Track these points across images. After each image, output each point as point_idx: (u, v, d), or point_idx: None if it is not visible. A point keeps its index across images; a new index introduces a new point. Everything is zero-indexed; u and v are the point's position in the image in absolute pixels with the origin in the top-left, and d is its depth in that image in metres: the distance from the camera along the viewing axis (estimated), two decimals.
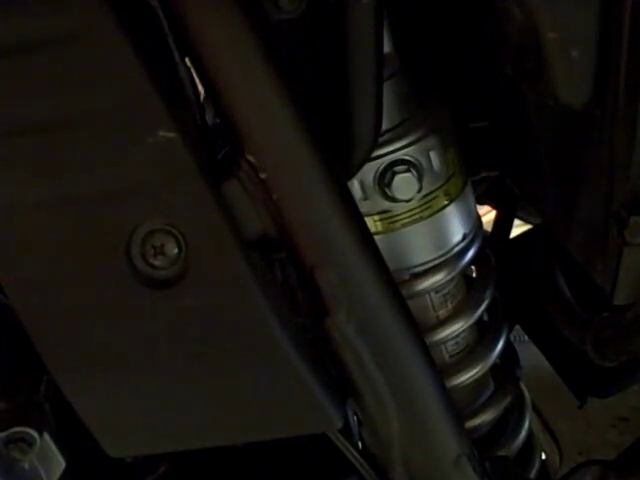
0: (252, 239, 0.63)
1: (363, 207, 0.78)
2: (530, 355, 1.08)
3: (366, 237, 0.66)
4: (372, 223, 0.81)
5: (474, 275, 0.99)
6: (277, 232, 0.63)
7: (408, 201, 0.80)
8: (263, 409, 0.67)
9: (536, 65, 0.65)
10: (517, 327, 1.10)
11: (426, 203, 0.82)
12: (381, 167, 0.79)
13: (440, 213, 0.83)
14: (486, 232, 1.02)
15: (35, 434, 0.71)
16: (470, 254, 0.88)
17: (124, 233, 0.60)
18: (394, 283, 0.68)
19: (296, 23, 0.68)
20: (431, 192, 0.82)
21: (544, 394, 1.17)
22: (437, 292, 0.88)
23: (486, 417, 0.96)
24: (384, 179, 0.79)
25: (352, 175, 0.74)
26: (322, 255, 0.64)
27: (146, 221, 0.59)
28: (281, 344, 0.63)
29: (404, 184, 0.78)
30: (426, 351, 0.71)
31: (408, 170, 0.78)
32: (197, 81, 0.63)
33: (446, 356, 0.92)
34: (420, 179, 0.79)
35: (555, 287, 0.97)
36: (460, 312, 0.90)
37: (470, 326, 0.92)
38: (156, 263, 0.60)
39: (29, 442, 0.71)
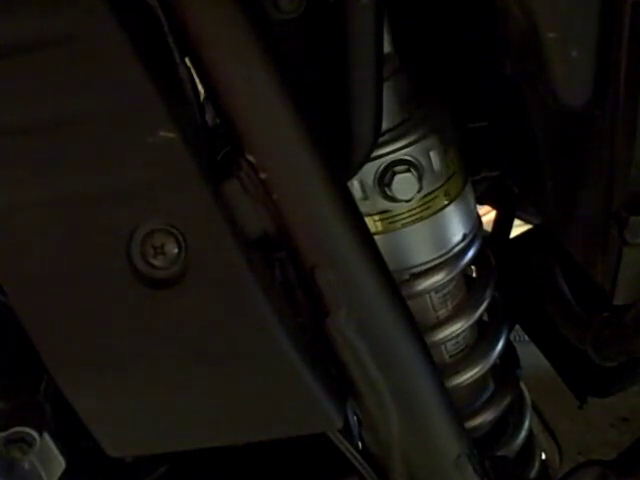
0: (252, 239, 0.63)
1: (363, 207, 0.78)
2: (530, 355, 1.07)
3: (366, 237, 0.66)
4: (372, 223, 0.81)
5: (474, 275, 0.99)
6: (277, 232, 0.63)
7: (408, 201, 0.80)
8: (263, 409, 0.67)
9: (536, 65, 0.65)
10: (517, 327, 1.10)
11: (426, 203, 0.82)
12: (381, 167, 0.79)
13: (440, 213, 0.83)
14: (486, 232, 1.02)
15: (35, 434, 0.70)
16: (470, 254, 0.88)
17: (124, 233, 0.60)
18: (394, 283, 0.68)
19: (296, 23, 0.68)
20: (431, 192, 0.82)
21: (544, 394, 1.17)
22: (437, 292, 0.88)
23: (486, 417, 0.96)
24: (384, 179, 0.79)
25: (352, 175, 0.74)
26: (322, 255, 0.64)
27: (146, 221, 0.59)
28: (281, 344, 0.63)
29: (404, 184, 0.78)
30: (426, 351, 0.71)
31: (408, 170, 0.78)
32: (197, 81, 0.63)
33: (446, 356, 0.92)
34: (420, 179, 0.79)
35: (555, 287, 0.97)
36: (460, 312, 0.90)
37: (470, 326, 0.92)
38: (156, 263, 0.60)
39: (29, 442, 0.70)
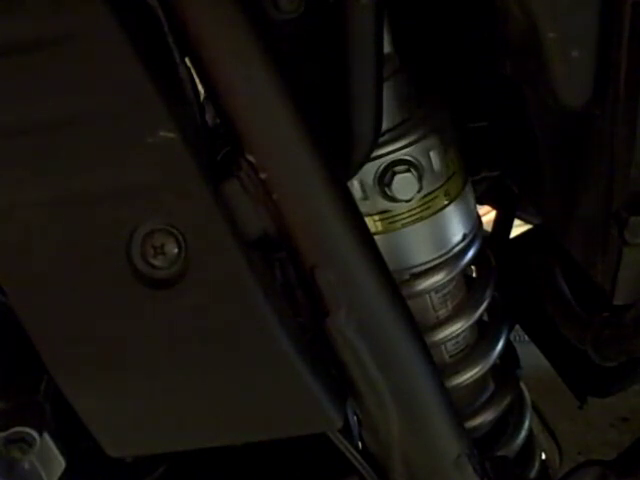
0: (252, 239, 0.63)
1: (363, 207, 0.78)
2: (530, 355, 1.07)
3: (366, 237, 0.66)
4: (372, 223, 0.81)
5: (474, 275, 0.99)
6: (277, 232, 0.63)
7: (408, 201, 0.80)
8: (263, 409, 0.67)
9: (536, 65, 0.65)
10: (517, 327, 1.10)
11: (426, 203, 0.82)
12: (381, 167, 0.79)
13: (440, 213, 0.83)
14: (486, 232, 1.02)
15: (35, 434, 0.70)
16: (470, 254, 0.88)
17: (124, 233, 0.60)
18: (394, 283, 0.68)
19: (296, 23, 0.68)
20: (431, 192, 0.82)
21: (544, 394, 1.17)
22: (437, 292, 0.88)
23: (486, 417, 0.96)
24: (384, 179, 0.79)
25: (352, 175, 0.74)
26: (322, 255, 0.64)
27: (146, 221, 0.59)
28: (281, 344, 0.63)
29: (404, 184, 0.78)
30: (426, 351, 0.71)
31: (408, 170, 0.78)
32: (197, 81, 0.63)
33: (446, 356, 0.92)
34: (420, 179, 0.79)
35: (555, 287, 0.97)
36: (460, 312, 0.90)
37: (470, 326, 0.92)
38: (156, 263, 0.60)
39: (29, 442, 0.70)
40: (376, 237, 0.74)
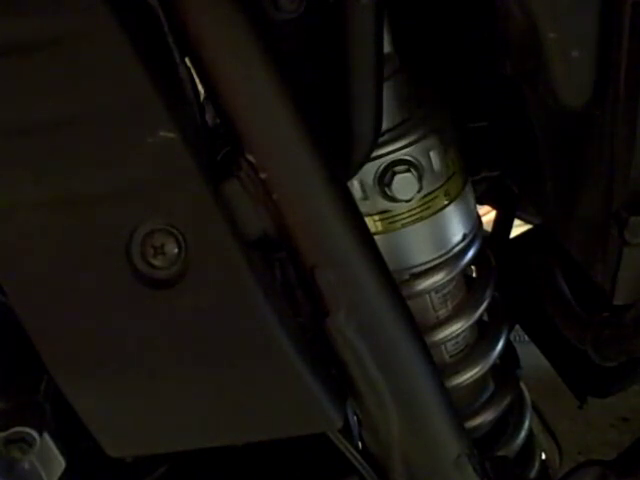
0: (252, 239, 0.63)
1: (363, 207, 0.78)
2: (530, 355, 1.08)
3: (366, 237, 0.66)
4: (372, 223, 0.81)
5: (474, 275, 0.99)
6: (277, 232, 0.63)
7: (408, 201, 0.80)
8: (263, 409, 0.67)
9: (536, 65, 0.65)
10: (517, 327, 1.10)
11: (426, 203, 0.82)
12: (381, 167, 0.79)
13: (440, 213, 0.83)
14: (486, 232, 1.02)
15: (35, 434, 0.70)
16: (470, 254, 0.88)
17: (124, 233, 0.60)
18: (394, 283, 0.68)
19: (296, 23, 0.68)
20: (431, 192, 0.82)
21: (544, 394, 1.17)
22: (437, 292, 0.88)
23: (486, 417, 0.96)
24: (384, 179, 0.79)
25: (352, 175, 0.75)
26: (322, 255, 0.64)
27: (146, 221, 0.59)
28: (281, 344, 0.63)
29: (404, 184, 0.78)
30: (426, 351, 0.71)
31: (408, 170, 0.78)
32: (197, 81, 0.63)
33: (446, 356, 0.92)
34: (420, 179, 0.79)
35: (555, 287, 0.97)
36: (460, 312, 0.90)
37: (470, 326, 0.92)
38: (156, 263, 0.60)
39: (29, 442, 0.70)
40: (376, 237, 0.74)
